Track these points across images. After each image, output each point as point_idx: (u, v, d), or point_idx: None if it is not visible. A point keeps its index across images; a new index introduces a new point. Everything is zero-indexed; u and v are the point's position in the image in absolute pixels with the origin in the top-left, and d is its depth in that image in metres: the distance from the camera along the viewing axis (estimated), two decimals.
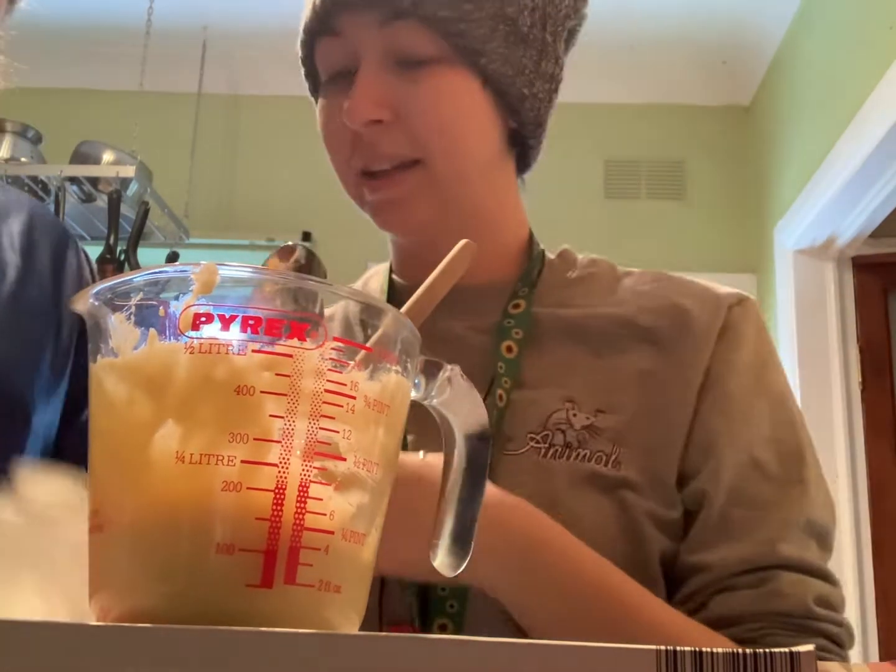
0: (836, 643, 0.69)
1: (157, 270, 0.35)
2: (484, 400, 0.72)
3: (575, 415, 0.73)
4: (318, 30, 0.75)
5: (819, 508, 0.72)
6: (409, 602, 0.69)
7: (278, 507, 0.34)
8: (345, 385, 0.35)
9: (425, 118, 0.73)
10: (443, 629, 0.67)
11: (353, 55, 0.74)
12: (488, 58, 0.73)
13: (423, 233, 0.78)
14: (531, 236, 0.84)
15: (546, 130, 0.81)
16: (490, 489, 0.64)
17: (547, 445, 0.72)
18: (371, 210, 0.77)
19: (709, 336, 0.75)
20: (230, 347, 0.34)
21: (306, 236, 3.16)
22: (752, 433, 0.73)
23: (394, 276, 0.85)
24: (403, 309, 0.51)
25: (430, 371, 0.40)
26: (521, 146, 0.81)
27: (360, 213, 0.79)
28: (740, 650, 0.28)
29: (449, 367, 0.41)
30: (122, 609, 0.34)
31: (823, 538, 0.72)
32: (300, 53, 0.80)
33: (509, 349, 0.76)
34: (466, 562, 0.42)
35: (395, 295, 0.84)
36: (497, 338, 0.77)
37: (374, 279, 0.87)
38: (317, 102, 0.81)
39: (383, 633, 0.28)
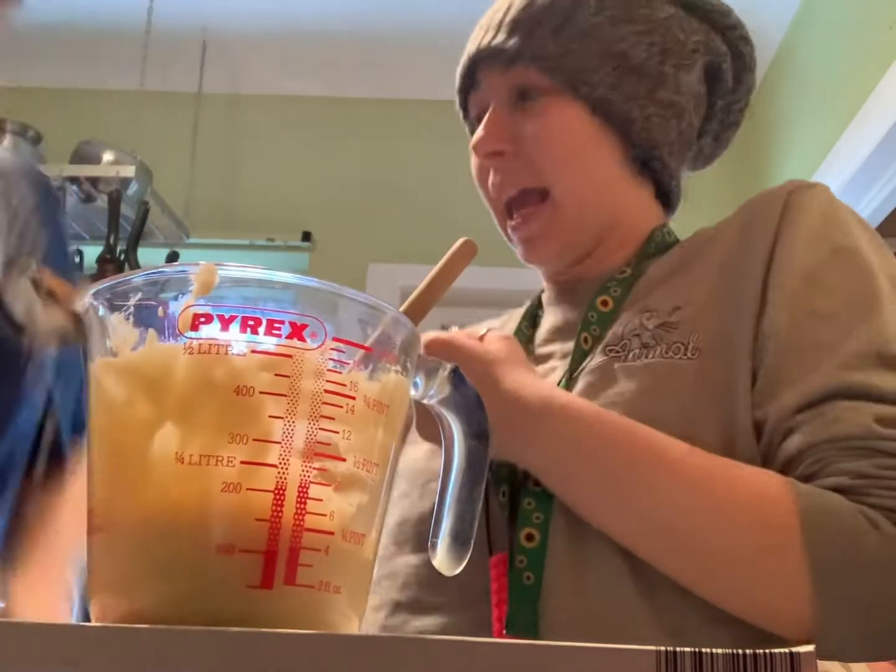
0: None
1: (156, 270, 0.35)
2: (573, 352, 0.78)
3: (649, 318, 0.76)
4: (467, 86, 0.89)
5: (893, 341, 0.68)
6: (503, 507, 0.72)
7: (278, 508, 0.34)
8: (344, 385, 0.35)
9: (538, 145, 0.83)
10: (529, 539, 0.69)
11: (487, 101, 0.86)
12: (591, 87, 0.83)
13: (560, 262, 0.88)
14: (660, 228, 0.87)
15: (676, 151, 0.87)
16: (497, 364, 0.70)
17: (625, 353, 0.75)
18: (516, 244, 0.88)
19: (772, 219, 0.76)
20: (229, 348, 0.34)
21: (306, 236, 3.15)
22: (812, 287, 0.71)
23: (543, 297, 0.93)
24: (402, 308, 0.51)
25: (430, 370, 0.40)
26: (650, 168, 0.87)
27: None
28: (740, 651, 0.28)
29: (449, 365, 0.41)
30: (122, 610, 0.34)
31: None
32: (460, 113, 0.93)
33: (604, 303, 0.81)
34: (466, 561, 0.42)
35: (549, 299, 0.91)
36: (596, 294, 0.82)
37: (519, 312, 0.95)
38: None
39: (383, 634, 0.28)
